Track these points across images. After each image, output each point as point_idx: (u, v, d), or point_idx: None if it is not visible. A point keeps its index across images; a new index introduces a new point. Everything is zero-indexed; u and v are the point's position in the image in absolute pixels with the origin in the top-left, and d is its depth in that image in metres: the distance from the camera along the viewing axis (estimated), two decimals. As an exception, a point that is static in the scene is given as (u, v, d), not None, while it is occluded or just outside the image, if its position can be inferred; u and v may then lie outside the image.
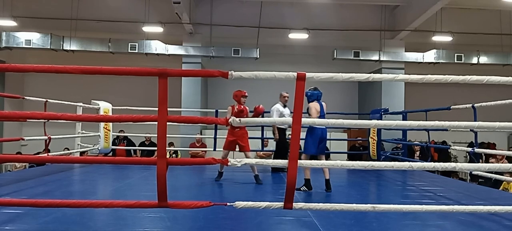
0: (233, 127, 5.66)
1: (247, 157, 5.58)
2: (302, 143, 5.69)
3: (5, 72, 11.95)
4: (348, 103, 13.65)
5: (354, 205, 2.95)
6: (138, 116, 2.79)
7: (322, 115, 5.07)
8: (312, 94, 5.15)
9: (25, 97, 6.30)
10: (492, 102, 5.21)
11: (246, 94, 5.78)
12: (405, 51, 11.79)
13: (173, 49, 11.49)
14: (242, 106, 5.71)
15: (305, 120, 2.75)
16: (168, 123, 2.69)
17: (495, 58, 11.64)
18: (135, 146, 10.51)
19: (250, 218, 3.61)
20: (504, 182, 6.41)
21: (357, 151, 10.57)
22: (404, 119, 8.90)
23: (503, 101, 5.11)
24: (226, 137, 5.85)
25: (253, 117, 5.58)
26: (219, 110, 8.53)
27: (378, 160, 8.49)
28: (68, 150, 9.10)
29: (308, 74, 2.68)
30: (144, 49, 11.18)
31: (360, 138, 10.68)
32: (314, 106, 5.05)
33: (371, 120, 8.74)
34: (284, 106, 6.76)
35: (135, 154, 10.65)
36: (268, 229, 3.46)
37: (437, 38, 11.36)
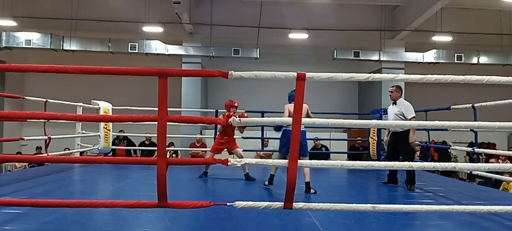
0: (223, 134, 6.04)
1: (238, 154, 5.98)
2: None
3: (5, 72, 11.95)
4: (348, 103, 13.66)
5: (354, 205, 2.95)
6: (138, 116, 2.79)
7: None
8: (290, 95, 5.22)
9: (25, 97, 6.29)
10: (492, 102, 5.21)
11: (236, 104, 6.01)
12: (405, 51, 11.80)
13: (173, 49, 11.50)
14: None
15: (305, 120, 2.75)
16: (168, 123, 2.69)
17: (495, 58, 11.65)
18: (135, 146, 10.51)
19: (250, 218, 3.61)
20: (504, 182, 6.41)
21: (357, 151, 10.57)
22: (404, 118, 8.88)
23: (503, 101, 5.11)
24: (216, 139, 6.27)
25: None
26: (219, 110, 8.53)
27: (378, 160, 8.48)
28: (69, 149, 9.11)
29: (308, 74, 2.68)
30: (144, 49, 11.19)
31: (360, 138, 10.67)
32: (288, 107, 5.07)
33: (371, 120, 8.74)
34: (393, 103, 5.69)
35: (135, 154, 10.65)
36: (268, 229, 3.46)
37: (437, 38, 11.36)
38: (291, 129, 4.93)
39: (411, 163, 3.01)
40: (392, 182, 5.71)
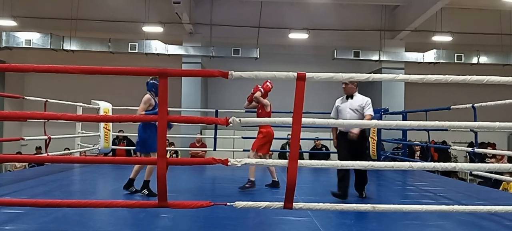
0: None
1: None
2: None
3: (5, 72, 11.95)
4: (348, 103, 13.63)
5: (354, 205, 2.95)
6: (138, 116, 2.80)
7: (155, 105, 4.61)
8: (147, 83, 4.82)
9: (25, 97, 6.30)
10: (492, 102, 5.21)
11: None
12: (405, 51, 11.80)
13: (173, 49, 11.50)
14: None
15: (305, 120, 2.75)
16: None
17: (495, 58, 11.65)
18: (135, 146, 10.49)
19: (250, 218, 3.61)
20: (504, 182, 6.41)
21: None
22: (404, 119, 8.90)
23: (503, 101, 5.10)
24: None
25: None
26: (219, 110, 8.52)
27: (378, 160, 8.48)
28: (69, 149, 9.11)
29: (308, 74, 2.68)
30: (144, 49, 11.19)
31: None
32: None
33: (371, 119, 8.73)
34: (347, 98, 4.68)
35: (135, 154, 10.64)
36: (268, 229, 3.46)
37: (437, 38, 11.36)
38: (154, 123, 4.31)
39: (411, 163, 3.01)
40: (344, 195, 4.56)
